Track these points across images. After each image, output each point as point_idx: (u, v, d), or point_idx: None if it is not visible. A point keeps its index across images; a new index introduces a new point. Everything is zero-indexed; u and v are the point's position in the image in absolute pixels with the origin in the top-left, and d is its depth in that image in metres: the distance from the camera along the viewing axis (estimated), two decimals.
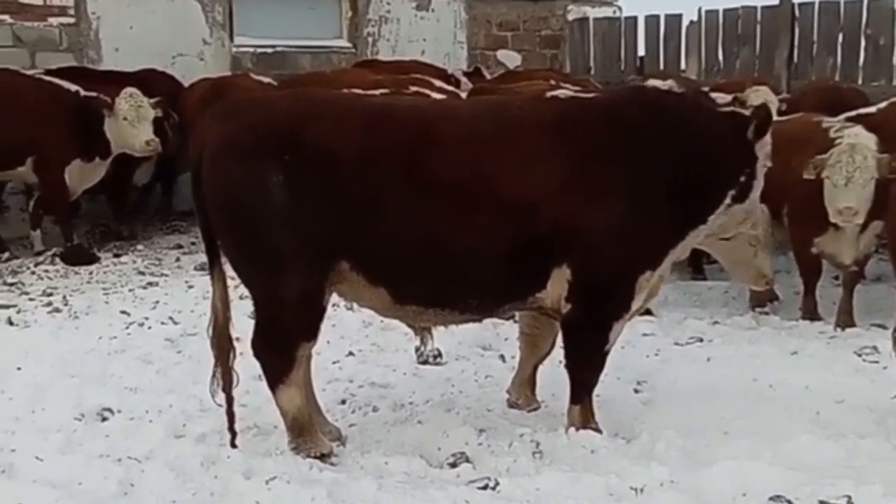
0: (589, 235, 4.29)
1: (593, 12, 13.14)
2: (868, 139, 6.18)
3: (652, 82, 4.72)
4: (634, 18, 12.49)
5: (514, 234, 4.24)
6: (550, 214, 4.25)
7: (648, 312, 6.56)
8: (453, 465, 4.31)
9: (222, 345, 4.41)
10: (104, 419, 4.79)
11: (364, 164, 4.13)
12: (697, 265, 7.99)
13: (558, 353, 5.11)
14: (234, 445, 4.40)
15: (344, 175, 4.12)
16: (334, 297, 4.47)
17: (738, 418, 4.73)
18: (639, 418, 4.83)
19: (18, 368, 5.44)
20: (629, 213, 4.30)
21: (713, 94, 7.96)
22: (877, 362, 5.71)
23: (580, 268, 4.34)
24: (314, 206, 4.10)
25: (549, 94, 4.81)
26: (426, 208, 4.17)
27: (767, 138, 4.56)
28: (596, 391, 4.76)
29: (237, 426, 4.50)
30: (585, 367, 4.60)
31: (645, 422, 4.75)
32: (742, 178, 4.52)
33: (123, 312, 6.80)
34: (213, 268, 4.39)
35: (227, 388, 4.40)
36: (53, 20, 10.04)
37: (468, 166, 4.22)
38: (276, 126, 4.16)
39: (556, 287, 4.39)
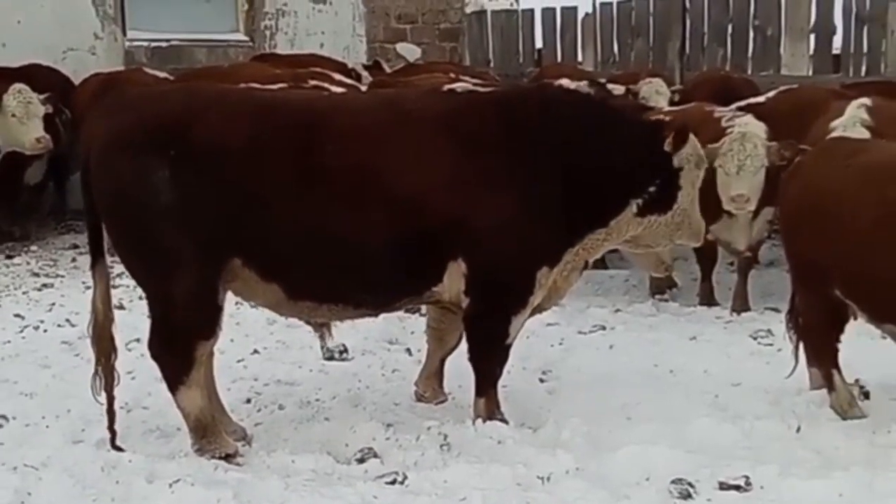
0: (481, 230, 4.31)
1: (491, 5, 13.23)
2: (758, 128, 6.35)
3: (564, 82, 4.76)
4: (532, 11, 12.62)
5: (405, 228, 4.24)
6: (441, 209, 4.26)
7: None
8: (361, 461, 4.30)
9: (102, 344, 4.33)
10: None
11: (252, 158, 4.09)
12: None
13: (465, 345, 5.17)
14: (115, 447, 4.30)
15: (232, 170, 4.07)
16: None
17: (641, 404, 4.83)
18: (544, 407, 4.88)
19: None
20: (520, 209, 4.33)
21: (609, 86, 8.23)
22: (771, 345, 5.87)
23: (475, 262, 4.36)
24: (203, 201, 4.04)
25: (446, 87, 4.82)
26: (316, 203, 4.14)
27: (691, 150, 4.62)
28: (502, 381, 4.81)
29: (138, 430, 4.42)
30: (488, 360, 4.62)
31: (551, 410, 4.80)
32: (651, 189, 4.54)
33: (17, 316, 6.60)
34: (96, 265, 4.30)
35: (109, 388, 4.32)
36: None
37: (358, 160, 4.20)
38: (163, 120, 4.09)
39: (453, 281, 4.41)
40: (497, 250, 4.36)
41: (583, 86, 4.72)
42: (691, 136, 4.63)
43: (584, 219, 4.51)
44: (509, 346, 4.61)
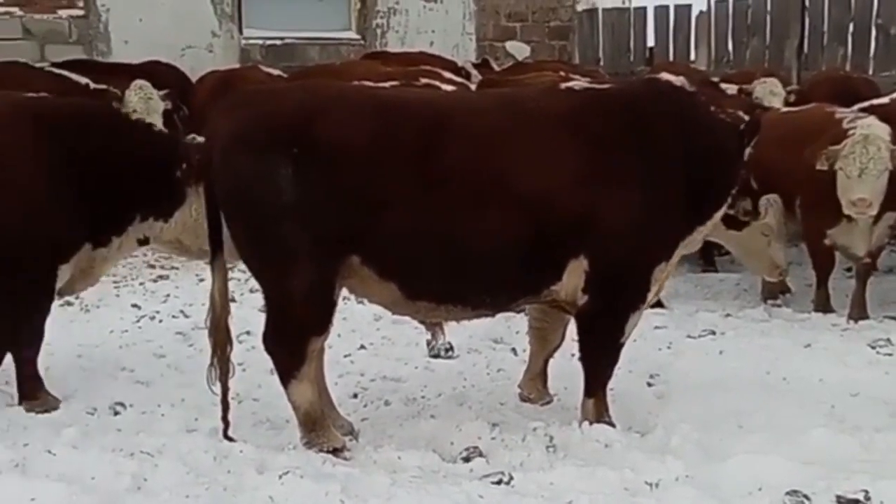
0: (607, 226, 4.27)
1: (602, 3, 13.11)
2: (882, 130, 6.15)
3: (664, 76, 4.70)
4: (644, 9, 12.45)
5: (530, 227, 4.21)
6: (567, 207, 4.23)
7: (660, 305, 6.55)
8: (466, 460, 4.29)
9: (219, 336, 4.40)
10: (116, 413, 4.79)
11: (374, 156, 4.10)
12: (708, 257, 7.96)
13: (570, 345, 5.11)
14: (227, 437, 4.38)
15: (353, 168, 4.09)
16: (344, 290, 4.46)
17: (753, 412, 4.71)
18: (653, 412, 4.81)
19: None
20: (644, 205, 4.30)
21: (723, 85, 8.07)
22: (890, 355, 5.68)
23: (598, 258, 4.32)
24: (324, 199, 4.07)
25: (563, 85, 4.78)
26: (438, 202, 4.14)
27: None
28: (609, 385, 4.76)
29: (249, 421, 4.50)
30: (600, 360, 4.58)
31: (659, 415, 4.73)
32: (737, 178, 4.58)
33: (134, 306, 6.80)
34: (215, 259, 4.36)
35: (224, 380, 4.39)
36: (63, 12, 10.05)
37: (480, 159, 4.19)
38: (286, 118, 4.13)
39: (573, 278, 4.37)
40: (620, 247, 4.33)
41: (685, 80, 4.64)
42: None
43: (698, 211, 4.50)
44: (622, 346, 4.57)
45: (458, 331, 5.72)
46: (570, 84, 4.76)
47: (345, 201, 4.08)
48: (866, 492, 3.78)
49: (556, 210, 4.23)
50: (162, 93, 8.26)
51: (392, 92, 5.19)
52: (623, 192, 4.29)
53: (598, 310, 4.43)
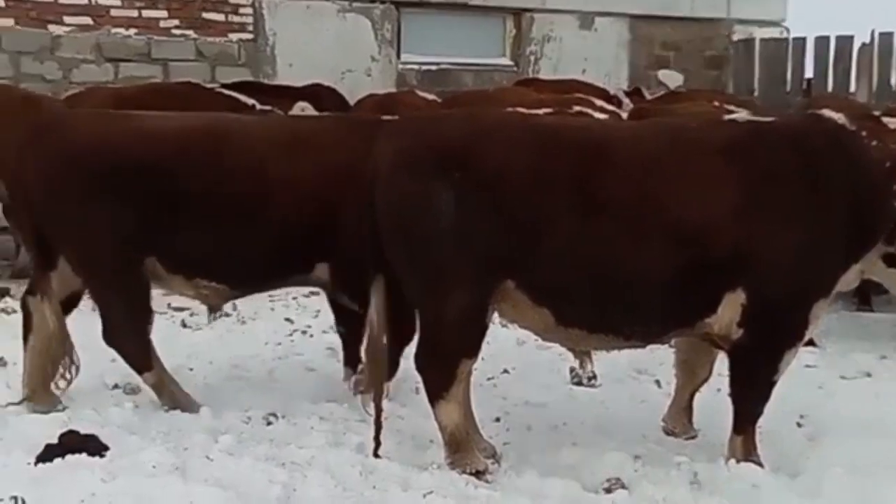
0: (768, 259, 4.23)
1: (760, 33, 12.80)
2: None
3: (827, 112, 4.61)
4: (803, 40, 12.11)
5: (688, 258, 4.20)
6: (726, 239, 4.20)
7: (811, 343, 6.36)
8: (608, 491, 4.27)
9: (375, 356, 4.50)
10: (269, 423, 4.95)
11: (533, 184, 4.16)
12: (864, 296, 7.69)
13: (716, 380, 5.04)
14: (376, 455, 4.46)
15: (513, 194, 4.15)
16: None
17: None
18: (803, 454, 4.67)
19: (190, 369, 5.70)
20: (806, 239, 4.26)
21: (885, 119, 7.79)
22: None
23: (757, 292, 4.27)
24: (483, 224, 4.14)
25: (725, 117, 4.75)
26: (596, 230, 4.16)
27: None
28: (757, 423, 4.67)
29: (394, 438, 4.60)
30: (752, 397, 4.51)
31: (810, 457, 4.60)
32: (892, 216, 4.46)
33: (287, 320, 7.03)
34: (375, 279, 4.46)
35: (378, 399, 4.48)
36: (233, 36, 10.51)
37: (640, 189, 4.20)
38: (449, 144, 4.23)
39: (729, 312, 4.32)
40: (781, 281, 4.28)
41: (844, 117, 4.54)
42: None
43: (852, 249, 4.42)
44: (774, 384, 4.48)
45: (601, 360, 5.73)
46: (732, 116, 4.72)
47: (503, 227, 4.15)
48: None
49: (715, 242, 4.20)
50: (322, 115, 8.50)
51: (553, 120, 5.23)
52: (785, 226, 4.24)
53: (753, 345, 4.36)
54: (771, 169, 4.28)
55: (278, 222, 4.92)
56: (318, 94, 9.26)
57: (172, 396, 5.11)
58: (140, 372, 5.11)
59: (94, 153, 4.85)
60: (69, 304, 5.15)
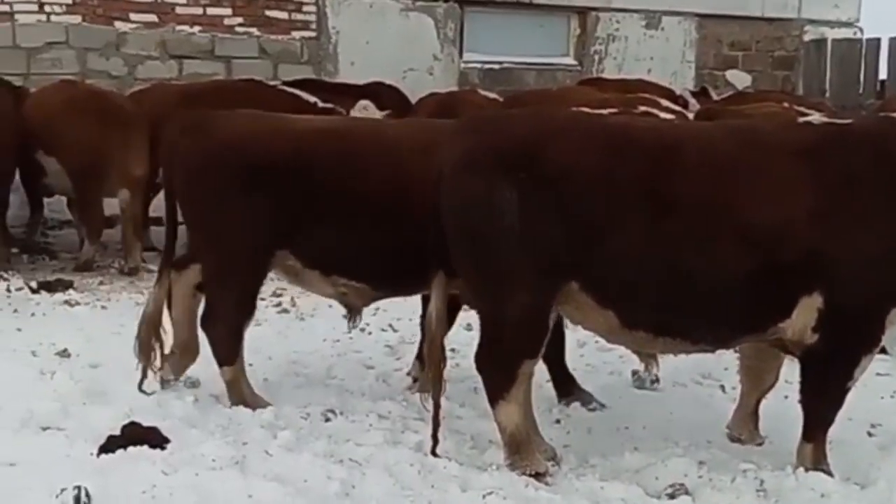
0: (845, 263, 4.14)
1: (832, 33, 12.57)
2: None
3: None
4: (877, 40, 11.88)
5: (762, 262, 4.11)
6: (802, 242, 4.11)
7: (883, 351, 6.18)
8: (672, 497, 4.18)
9: (434, 354, 4.48)
10: (328, 420, 4.94)
11: (602, 185, 4.10)
12: None
13: (783, 386, 4.91)
14: (434, 454, 4.43)
15: (580, 195, 4.10)
16: None
17: None
18: (874, 464, 4.53)
19: (250, 365, 5.69)
20: (884, 244, 4.15)
21: None
22: None
23: (834, 296, 4.17)
24: (548, 225, 4.09)
25: (801, 119, 4.65)
26: (665, 233, 4.09)
27: None
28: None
29: (452, 438, 4.57)
30: (824, 404, 4.39)
31: (881, 468, 4.45)
32: None
33: (346, 317, 7.00)
34: (436, 276, 4.44)
35: (436, 396, 4.44)
36: (296, 34, 10.59)
37: (711, 190, 4.12)
38: (514, 143, 4.18)
39: (804, 316, 4.22)
40: (858, 285, 4.17)
41: None
42: None
43: None
44: (848, 391, 4.37)
45: (664, 363, 5.63)
46: (808, 118, 4.62)
47: (568, 228, 4.09)
48: None
49: (791, 245, 4.11)
50: (384, 113, 8.51)
51: (620, 120, 5.16)
52: (862, 230, 4.14)
53: (828, 350, 4.25)
54: (848, 172, 4.19)
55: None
56: (380, 93, 9.29)
57: (242, 396, 5.12)
58: (221, 365, 5.16)
59: (240, 149, 5.02)
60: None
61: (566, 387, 5.39)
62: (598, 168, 4.11)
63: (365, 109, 8.35)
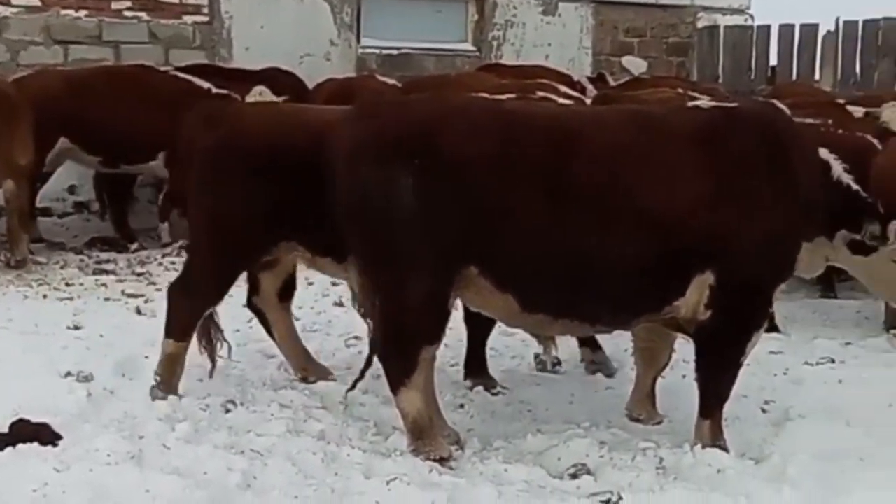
0: (736, 241, 4.24)
1: (724, 20, 12.84)
2: None
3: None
4: (767, 27, 12.18)
5: (657, 243, 4.17)
6: (697, 223, 4.19)
7: (775, 329, 6.36)
8: (574, 477, 4.22)
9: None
10: (228, 411, 4.84)
11: (499, 170, 4.10)
12: (828, 283, 7.70)
13: (681, 366, 5.01)
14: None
15: (476, 180, 4.09)
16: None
17: (875, 446, 4.51)
18: (768, 439, 4.65)
19: (146, 357, 5.55)
20: (771, 222, 4.27)
21: (849, 108, 7.84)
22: None
23: (725, 274, 4.26)
24: (444, 210, 4.08)
25: (691, 103, 4.74)
26: (562, 217, 4.11)
27: None
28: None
29: (356, 425, 4.59)
30: (719, 380, 4.50)
31: (774, 443, 4.57)
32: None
33: (245, 306, 6.88)
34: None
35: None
36: (188, 18, 10.33)
37: (606, 174, 4.16)
38: (408, 129, 4.16)
39: (697, 295, 4.31)
40: (748, 263, 4.28)
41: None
42: None
43: (805, 234, 4.47)
44: (741, 367, 4.49)
45: (566, 346, 5.68)
46: (697, 102, 4.71)
47: (466, 213, 4.08)
48: None
49: (685, 226, 4.18)
50: (281, 99, 8.37)
51: (518, 105, 5.17)
52: (751, 209, 4.25)
53: (720, 326, 4.35)
54: (736, 154, 4.29)
55: None
56: (276, 78, 9.13)
57: (170, 376, 5.10)
58: (169, 337, 5.17)
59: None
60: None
61: (477, 370, 5.41)
62: (495, 153, 4.10)
63: (261, 95, 8.22)
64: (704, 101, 4.75)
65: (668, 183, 4.18)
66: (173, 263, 8.22)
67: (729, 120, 4.42)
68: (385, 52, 11.26)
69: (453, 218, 4.08)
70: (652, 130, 4.33)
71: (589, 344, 5.65)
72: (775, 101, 4.69)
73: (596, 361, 5.67)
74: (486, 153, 4.10)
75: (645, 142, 4.26)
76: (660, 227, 4.16)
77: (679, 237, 4.18)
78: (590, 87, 9.82)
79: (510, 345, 6.03)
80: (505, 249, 4.13)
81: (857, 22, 11.34)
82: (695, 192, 4.19)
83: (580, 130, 4.27)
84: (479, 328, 5.26)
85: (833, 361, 6.02)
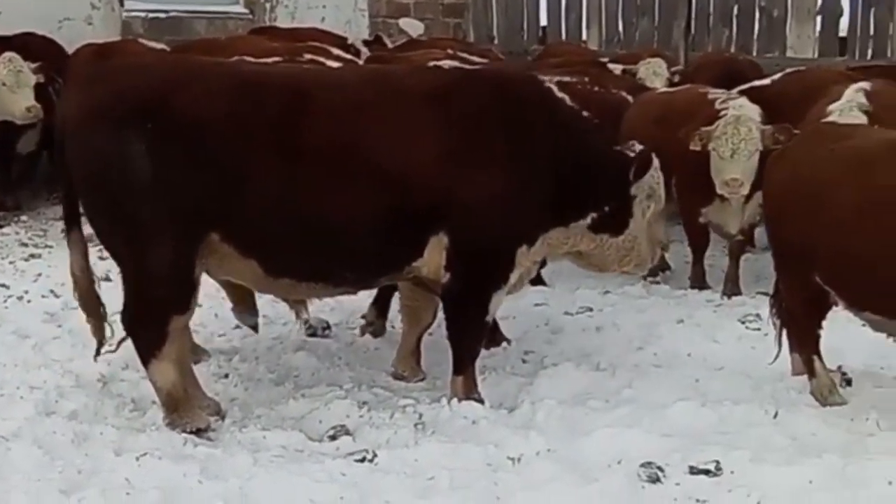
0: (466, 204, 4.31)
1: None
2: (753, 111, 6.28)
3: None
4: None
5: (390, 204, 4.22)
6: (426, 184, 4.25)
7: (541, 283, 6.58)
8: (333, 438, 4.28)
9: (90, 303, 4.43)
10: None
11: (232, 132, 4.05)
12: None
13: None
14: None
15: (211, 144, 4.03)
16: None
17: (620, 387, 4.78)
18: (523, 388, 4.84)
19: None
20: (504, 186, 4.35)
21: (610, 66, 8.16)
22: (759, 329, 5.77)
23: (458, 236, 4.35)
24: (180, 176, 4.00)
25: (432, 63, 4.80)
26: (297, 178, 4.11)
27: (648, 182, 4.72)
28: (483, 362, 4.79)
29: (112, 402, 4.47)
30: (466, 338, 4.62)
31: (529, 392, 4.76)
32: (607, 207, 4.63)
33: (2, 285, 6.55)
34: (70, 234, 4.31)
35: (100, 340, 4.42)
36: None
37: (341, 135, 4.17)
38: (140, 93, 4.05)
39: (435, 256, 4.39)
40: (480, 225, 4.38)
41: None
42: (653, 168, 4.75)
43: (553, 208, 4.55)
44: (486, 325, 4.63)
45: (337, 309, 5.70)
46: (438, 63, 4.78)
47: (201, 178, 4.02)
48: (717, 462, 3.87)
49: (417, 187, 4.24)
50: (34, 65, 7.96)
51: (256, 67, 5.11)
52: (484, 172, 4.33)
53: (460, 287, 4.46)
54: (472, 116, 4.36)
55: None
56: (30, 44, 8.63)
57: None
58: None
59: None
60: None
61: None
62: (228, 115, 4.06)
63: (10, 62, 7.76)
64: (446, 62, 4.82)
65: (401, 143, 4.24)
66: None
67: (464, 82, 4.52)
68: (152, 15, 10.81)
69: (190, 183, 4.01)
70: (388, 90, 4.36)
71: (378, 306, 5.66)
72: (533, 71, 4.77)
73: (373, 324, 5.70)
74: (218, 115, 4.05)
75: (380, 102, 4.29)
76: (393, 186, 4.21)
77: (412, 197, 4.24)
78: (364, 49, 9.78)
79: (281, 311, 5.99)
80: (244, 214, 4.11)
81: None
82: (427, 153, 4.26)
83: (314, 91, 4.26)
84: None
85: (591, 310, 6.29)
